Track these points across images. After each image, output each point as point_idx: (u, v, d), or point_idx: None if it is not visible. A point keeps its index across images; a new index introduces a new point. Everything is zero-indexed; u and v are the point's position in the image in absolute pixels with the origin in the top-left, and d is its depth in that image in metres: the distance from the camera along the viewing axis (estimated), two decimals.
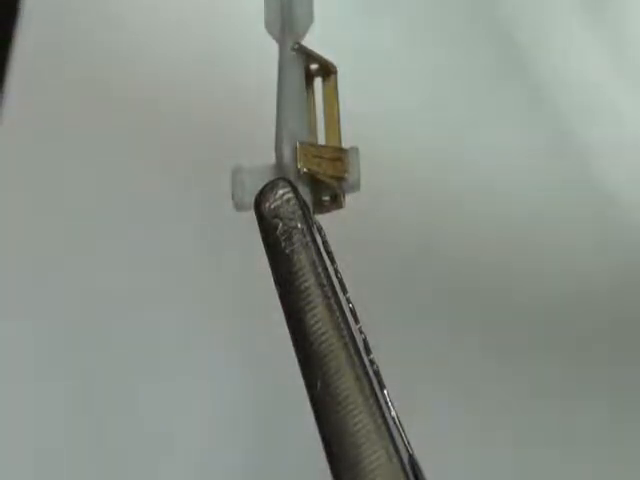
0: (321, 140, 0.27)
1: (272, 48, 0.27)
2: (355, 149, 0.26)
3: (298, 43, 0.27)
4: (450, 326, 0.48)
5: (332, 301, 0.22)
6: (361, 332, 0.22)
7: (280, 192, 0.23)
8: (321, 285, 0.22)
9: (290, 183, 0.23)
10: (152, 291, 0.49)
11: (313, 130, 0.27)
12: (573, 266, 0.50)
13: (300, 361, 0.21)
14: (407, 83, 0.53)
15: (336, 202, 0.25)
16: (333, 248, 0.23)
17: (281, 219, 0.23)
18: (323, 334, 0.21)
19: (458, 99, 0.52)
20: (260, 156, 0.26)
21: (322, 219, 0.24)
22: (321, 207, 0.25)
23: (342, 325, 0.21)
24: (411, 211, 0.50)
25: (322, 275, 0.22)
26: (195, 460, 0.46)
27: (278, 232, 0.22)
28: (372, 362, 0.22)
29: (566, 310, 0.48)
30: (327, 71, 0.27)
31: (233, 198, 0.25)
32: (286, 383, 0.25)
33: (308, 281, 0.22)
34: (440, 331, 0.48)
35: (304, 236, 0.22)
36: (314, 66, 0.28)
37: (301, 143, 0.25)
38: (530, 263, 0.50)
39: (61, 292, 0.48)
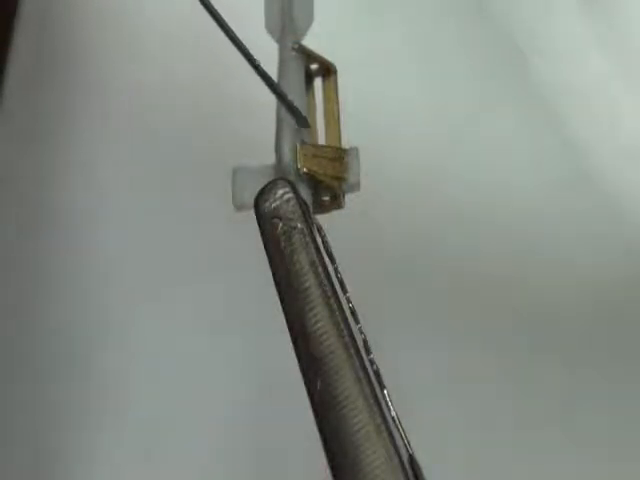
0: (321, 140, 0.27)
1: (272, 48, 0.27)
2: (355, 149, 0.26)
3: (298, 43, 0.27)
4: (450, 325, 0.48)
5: (332, 301, 0.22)
6: (361, 332, 0.22)
7: (280, 192, 0.23)
8: (321, 285, 0.22)
9: (290, 183, 0.23)
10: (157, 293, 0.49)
11: (313, 130, 0.27)
12: (573, 264, 0.50)
13: (300, 361, 0.21)
14: (407, 83, 0.53)
15: (336, 202, 0.25)
16: (333, 248, 0.23)
17: (281, 219, 0.22)
18: (323, 334, 0.21)
19: (458, 98, 0.52)
20: (260, 156, 0.26)
21: (322, 219, 0.24)
22: (321, 207, 0.25)
23: (342, 325, 0.21)
24: (411, 210, 0.50)
25: (322, 275, 0.22)
26: (195, 463, 0.46)
27: (278, 232, 0.22)
28: (372, 362, 0.22)
29: (566, 308, 0.48)
30: (327, 71, 0.27)
31: (233, 198, 0.25)
32: (287, 383, 0.25)
33: (308, 281, 0.22)
34: (440, 330, 0.48)
35: (304, 236, 0.22)
36: (314, 66, 0.28)
37: (301, 143, 0.25)
38: (530, 261, 0.50)
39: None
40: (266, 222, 0.23)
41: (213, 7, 0.22)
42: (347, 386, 0.20)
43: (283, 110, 0.25)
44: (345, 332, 0.21)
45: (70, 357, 0.47)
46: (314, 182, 0.25)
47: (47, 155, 0.50)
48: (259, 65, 0.23)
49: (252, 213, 0.23)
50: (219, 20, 0.22)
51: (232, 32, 0.22)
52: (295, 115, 0.25)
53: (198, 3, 0.22)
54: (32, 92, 0.51)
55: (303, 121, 0.25)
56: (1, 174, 0.50)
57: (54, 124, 0.51)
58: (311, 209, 0.24)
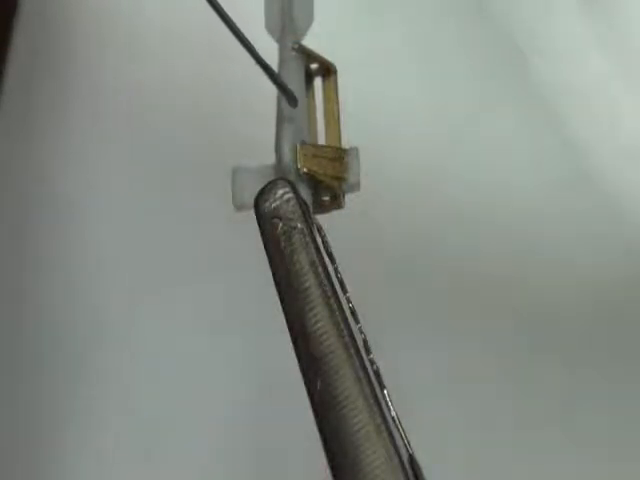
0: (321, 140, 0.27)
1: (272, 48, 0.27)
2: (355, 149, 0.26)
3: (298, 43, 0.27)
4: (450, 325, 0.48)
5: (332, 301, 0.21)
6: (361, 332, 0.22)
7: (280, 192, 0.23)
8: (321, 285, 0.22)
9: (290, 183, 0.23)
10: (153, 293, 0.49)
11: (313, 130, 0.27)
12: (573, 264, 0.50)
13: (300, 361, 0.21)
14: (407, 83, 0.53)
15: (336, 202, 0.25)
16: (333, 248, 0.23)
17: (281, 219, 0.22)
18: (323, 334, 0.21)
19: (458, 98, 0.52)
20: (260, 156, 0.26)
21: (322, 219, 0.24)
22: (321, 207, 0.25)
23: (342, 325, 0.21)
24: (411, 210, 0.50)
25: (322, 275, 0.22)
26: (195, 463, 0.46)
27: (278, 232, 0.22)
28: (372, 362, 0.22)
29: (566, 308, 0.48)
30: (327, 71, 0.27)
31: (233, 198, 0.25)
32: (287, 383, 0.25)
33: (308, 281, 0.22)
34: (440, 330, 0.48)
35: (304, 236, 0.22)
36: (314, 66, 0.28)
37: (301, 143, 0.25)
38: (530, 261, 0.50)
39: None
40: (266, 222, 0.23)
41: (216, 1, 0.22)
42: (347, 386, 0.20)
43: (283, 110, 0.25)
44: (345, 332, 0.21)
45: (70, 357, 0.47)
46: (314, 182, 0.25)
47: (46, 154, 0.50)
48: (249, 43, 0.23)
49: (252, 213, 0.23)
50: (217, 8, 0.22)
51: (229, 19, 0.22)
52: (284, 92, 0.25)
53: (197, 2, 0.22)
54: (31, 91, 0.51)
55: (292, 99, 0.25)
56: (0, 172, 0.50)
57: (53, 123, 0.51)
58: (311, 209, 0.24)
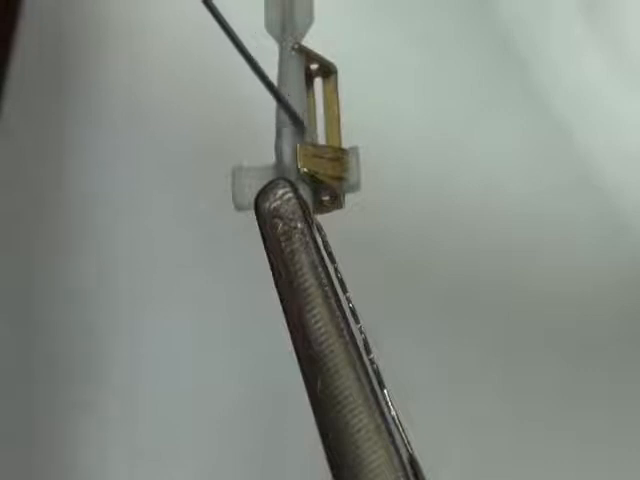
0: (321, 140, 0.27)
1: (272, 48, 0.27)
2: (355, 149, 0.26)
3: (298, 43, 0.27)
4: (450, 325, 0.48)
5: (332, 301, 0.22)
6: (361, 332, 0.22)
7: (280, 192, 0.23)
8: (321, 285, 0.22)
9: (290, 183, 0.23)
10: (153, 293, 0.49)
11: (313, 130, 0.27)
12: (574, 267, 0.50)
13: (300, 361, 0.21)
14: (406, 85, 0.53)
15: (336, 202, 0.25)
16: (333, 248, 0.23)
17: (281, 219, 0.22)
18: (323, 334, 0.21)
19: (457, 101, 0.52)
20: (260, 156, 0.26)
21: (322, 219, 0.24)
22: (321, 207, 0.25)
23: (342, 325, 0.21)
24: (411, 210, 0.50)
25: (322, 275, 0.22)
26: (196, 463, 0.46)
27: (278, 232, 0.22)
28: (372, 362, 0.22)
29: (567, 310, 0.48)
30: (327, 71, 0.27)
31: (233, 198, 0.25)
32: (287, 384, 0.25)
33: (308, 281, 0.22)
34: (440, 330, 0.48)
35: (304, 236, 0.22)
36: (314, 66, 0.28)
37: (301, 143, 0.25)
38: (530, 262, 0.50)
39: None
40: (266, 222, 0.23)
41: (218, 11, 0.22)
42: (347, 386, 0.20)
43: (283, 111, 0.25)
44: (345, 332, 0.21)
45: (70, 357, 0.47)
46: (314, 182, 0.25)
47: (48, 155, 0.51)
48: (260, 68, 0.23)
49: (252, 213, 0.23)
50: (223, 24, 0.22)
51: (237, 37, 0.22)
52: (292, 117, 0.25)
53: (202, 4, 0.22)
54: (34, 95, 0.51)
55: (300, 125, 0.25)
56: (3, 176, 0.50)
57: (55, 126, 0.51)
58: (311, 209, 0.24)
